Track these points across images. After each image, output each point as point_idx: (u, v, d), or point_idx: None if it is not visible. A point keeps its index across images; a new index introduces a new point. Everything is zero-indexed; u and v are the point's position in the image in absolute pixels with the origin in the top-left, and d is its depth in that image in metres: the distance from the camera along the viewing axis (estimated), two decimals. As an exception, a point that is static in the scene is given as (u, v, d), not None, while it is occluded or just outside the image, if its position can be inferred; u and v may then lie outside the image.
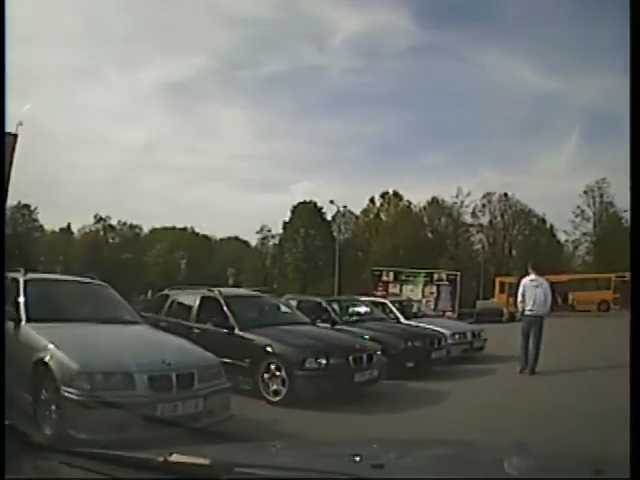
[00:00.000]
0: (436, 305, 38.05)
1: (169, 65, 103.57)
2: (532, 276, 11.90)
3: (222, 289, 10.90)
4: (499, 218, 70.96)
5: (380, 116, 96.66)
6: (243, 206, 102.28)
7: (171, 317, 10.31)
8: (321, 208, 69.60)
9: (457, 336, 13.72)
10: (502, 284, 49.77)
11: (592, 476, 1.87)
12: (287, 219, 73.89)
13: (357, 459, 2.20)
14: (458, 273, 40.07)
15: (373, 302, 15.52)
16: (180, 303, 10.73)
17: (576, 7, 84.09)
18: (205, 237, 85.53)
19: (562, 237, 70.38)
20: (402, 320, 14.35)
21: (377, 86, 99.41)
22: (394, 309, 15.01)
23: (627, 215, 60.64)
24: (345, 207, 59.67)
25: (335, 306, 13.36)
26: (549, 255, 63.28)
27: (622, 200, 61.71)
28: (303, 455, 2.77)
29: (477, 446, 3.21)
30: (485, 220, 71.94)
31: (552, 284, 48.73)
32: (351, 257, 67.14)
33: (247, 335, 9.05)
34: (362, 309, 14.10)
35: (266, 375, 8.49)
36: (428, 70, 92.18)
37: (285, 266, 73.36)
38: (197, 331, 9.41)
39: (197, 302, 10.26)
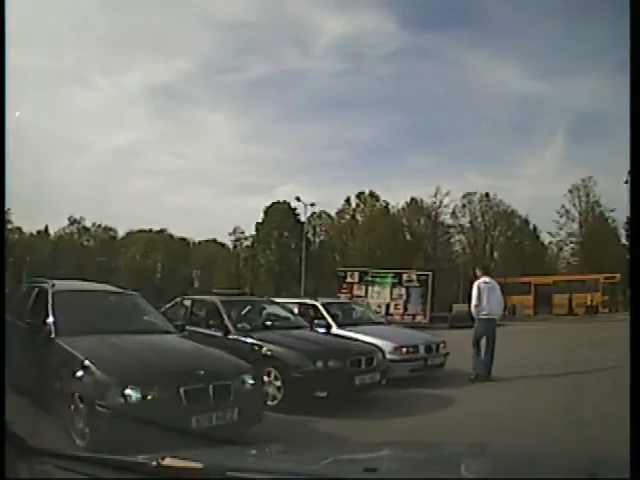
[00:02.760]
0: (405, 309, 34.82)
1: (153, 68, 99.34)
2: (486, 278, 11.44)
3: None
4: (480, 219, 66.63)
5: (365, 119, 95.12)
6: (227, 210, 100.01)
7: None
8: (295, 209, 65.21)
9: (404, 351, 10.77)
10: (481, 287, 44.03)
11: (588, 477, 1.78)
12: (260, 220, 70.30)
13: (350, 463, 2.43)
14: (429, 273, 35.57)
15: (302, 304, 12.88)
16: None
17: (561, 10, 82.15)
18: (182, 240, 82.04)
19: (546, 239, 66.05)
20: (333, 329, 11.48)
21: (362, 89, 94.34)
22: (325, 314, 12.04)
23: (614, 215, 58.25)
24: (312, 204, 54.69)
25: (236, 309, 10.53)
26: (532, 257, 60.61)
27: (609, 199, 59.05)
28: (296, 459, 2.68)
29: (471, 449, 3.16)
30: (465, 221, 66.89)
31: (536, 286, 41.59)
32: (327, 259, 64.52)
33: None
34: (272, 313, 11.24)
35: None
36: (413, 73, 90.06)
37: (257, 268, 69.81)
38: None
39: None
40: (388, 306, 34.77)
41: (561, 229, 62.57)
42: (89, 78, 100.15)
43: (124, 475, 1.97)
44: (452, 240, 68.26)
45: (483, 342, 11.15)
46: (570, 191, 61.83)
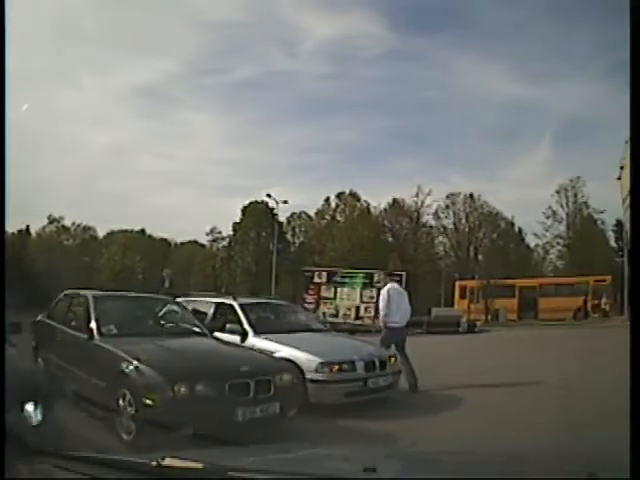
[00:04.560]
0: (377, 312, 28.80)
1: (138, 69, 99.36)
2: (395, 284, 10.91)
3: None
4: (464, 220, 63.52)
5: (351, 122, 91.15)
6: (210, 211, 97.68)
7: None
8: (273, 209, 61.93)
9: (334, 368, 8.29)
10: (463, 289, 42.18)
11: (588, 477, 1.76)
12: (237, 220, 68.90)
13: (350, 463, 2.36)
14: (403, 273, 31.16)
15: (219, 304, 10.42)
16: None
17: (548, 14, 79.27)
18: (163, 240, 79.80)
19: (532, 241, 62.91)
20: (249, 336, 9.13)
21: (348, 92, 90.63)
22: (242, 317, 9.57)
23: (603, 216, 54.94)
24: (285, 202, 50.90)
25: (112, 307, 8.33)
26: (518, 260, 57.61)
27: (598, 200, 56.76)
28: (296, 459, 2.65)
29: (470, 451, 3.08)
30: (449, 222, 64.35)
31: (520, 289, 36.00)
32: (306, 260, 60.49)
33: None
34: (159, 315, 8.85)
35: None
36: (400, 76, 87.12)
37: (234, 269, 67.96)
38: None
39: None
40: (358, 309, 31.28)
41: (547, 231, 59.37)
42: (73, 78, 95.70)
43: (124, 475, 1.95)
44: (435, 242, 65.84)
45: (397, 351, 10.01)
46: (557, 192, 58.62)
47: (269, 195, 49.08)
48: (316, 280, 32.39)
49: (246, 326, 9.27)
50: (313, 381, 8.08)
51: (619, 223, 57.00)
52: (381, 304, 10.47)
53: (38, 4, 75.87)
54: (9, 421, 2.27)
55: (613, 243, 56.10)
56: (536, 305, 38.56)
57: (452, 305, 40.68)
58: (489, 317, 38.32)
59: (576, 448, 3.46)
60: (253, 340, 8.95)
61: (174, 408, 5.61)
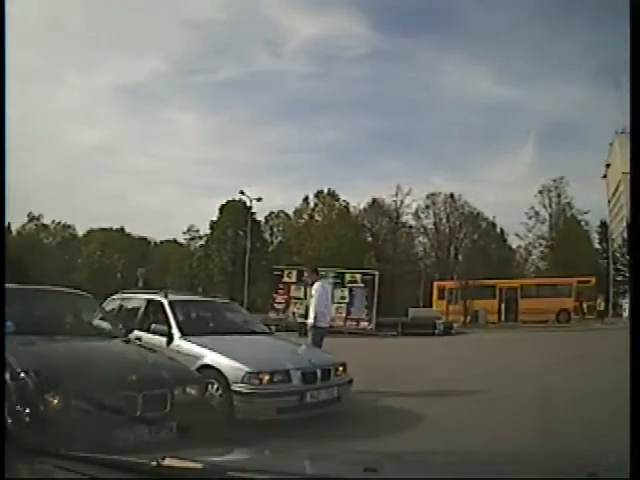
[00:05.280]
0: (348, 313, 29.07)
1: (123, 68, 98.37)
2: (322, 282, 10.53)
3: None
4: (445, 220, 61.69)
5: (335, 122, 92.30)
6: (192, 210, 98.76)
7: None
8: (250, 207, 60.49)
9: (264, 379, 6.93)
10: (441, 289, 40.15)
11: (588, 477, 1.77)
12: (215, 218, 68.14)
13: (350, 463, 2.36)
14: (375, 273, 30.38)
15: (149, 301, 8.99)
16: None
17: (533, 16, 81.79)
18: (143, 239, 79.84)
19: (514, 242, 61.60)
20: (175, 338, 7.85)
21: (332, 92, 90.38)
22: (170, 316, 8.21)
23: (587, 217, 53.31)
24: (259, 199, 49.19)
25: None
26: (499, 261, 56.12)
27: (582, 200, 56.64)
28: (296, 459, 2.60)
29: (471, 451, 3.32)
30: (429, 222, 62.61)
31: (501, 290, 33.31)
32: (284, 260, 59.54)
33: None
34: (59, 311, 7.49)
35: None
36: (384, 76, 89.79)
37: (211, 268, 66.61)
38: None
39: None
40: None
41: (530, 231, 57.85)
42: (57, 76, 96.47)
43: (124, 475, 1.94)
44: (415, 242, 64.30)
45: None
46: (540, 192, 57.17)
47: (242, 192, 47.36)
48: (286, 279, 30.61)
49: (173, 327, 8.02)
50: (239, 394, 6.82)
51: (603, 224, 55.64)
52: (314, 302, 9.88)
53: (24, 3, 77.19)
54: None
55: (597, 244, 54.83)
56: (517, 306, 36.65)
57: (430, 306, 38.72)
58: (468, 319, 36.48)
59: (576, 448, 3.46)
60: (179, 343, 7.78)
61: (45, 422, 4.84)
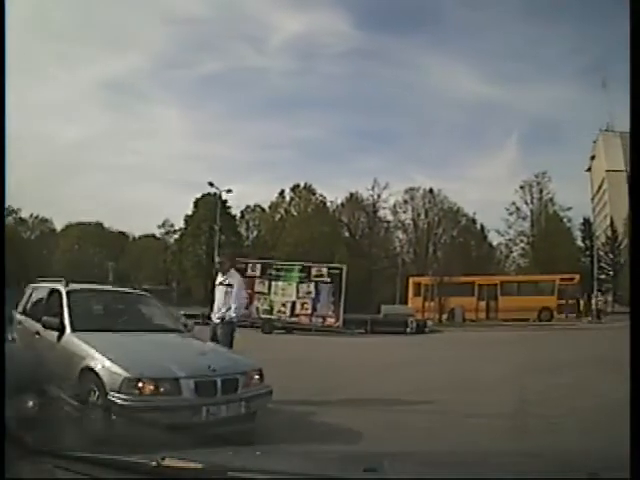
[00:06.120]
0: (314, 309, 26.96)
1: (105, 63, 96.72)
2: (235, 272, 9.24)
3: None
4: (423, 216, 59.35)
5: (316, 119, 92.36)
6: (173, 205, 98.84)
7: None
8: (225, 201, 59.88)
9: (147, 388, 5.55)
10: (417, 286, 37.74)
11: (588, 477, 1.73)
12: (190, 212, 65.82)
13: (350, 463, 2.29)
14: (342, 267, 28.24)
15: (52, 290, 8.00)
16: None
17: (517, 15, 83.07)
18: (121, 234, 78.02)
19: (494, 239, 59.35)
20: (66, 333, 6.73)
21: (314, 88, 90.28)
22: (65, 308, 7.12)
23: (570, 214, 51.89)
24: (229, 191, 48.72)
25: None
26: (479, 258, 54.17)
27: (564, 197, 55.58)
28: (296, 459, 2.57)
29: (470, 451, 3.21)
30: (407, 218, 60.28)
31: (480, 287, 30.18)
32: (260, 254, 55.86)
33: None
34: None
35: None
36: (367, 74, 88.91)
37: (186, 262, 64.64)
38: None
39: None
40: (294, 305, 27.24)
41: (510, 227, 55.38)
42: (39, 71, 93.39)
43: (124, 475, 1.91)
44: (392, 237, 62.04)
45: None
46: (522, 187, 54.73)
47: (211, 184, 45.83)
48: (249, 273, 27.98)
49: (65, 319, 6.94)
50: (116, 405, 5.47)
51: (586, 221, 53.71)
52: (237, 294, 8.79)
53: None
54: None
55: (580, 242, 52.82)
56: (497, 304, 34.63)
57: (406, 303, 36.51)
58: (444, 316, 34.30)
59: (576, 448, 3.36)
60: (68, 339, 6.80)
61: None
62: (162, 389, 5.53)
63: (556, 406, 7.17)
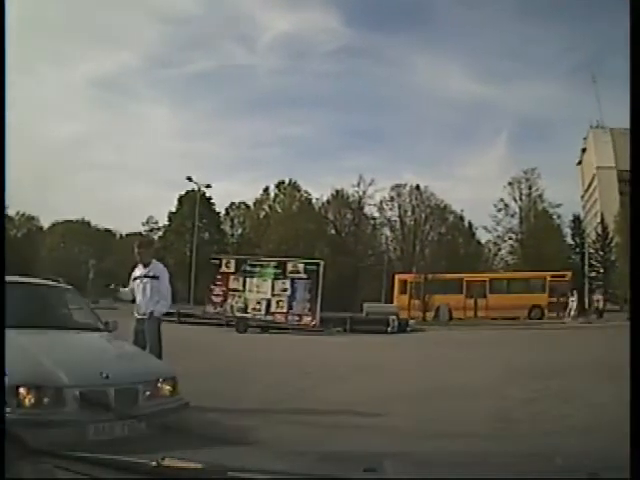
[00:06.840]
0: (290, 307, 25.38)
1: (95, 61, 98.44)
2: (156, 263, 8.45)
3: None
4: (410, 213, 57.87)
5: (306, 117, 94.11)
6: (162, 203, 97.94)
7: None
8: (210, 198, 60.63)
9: (28, 400, 4.54)
10: (403, 283, 36.11)
11: (588, 477, 1.70)
12: (174, 209, 64.93)
13: (350, 463, 2.24)
14: (320, 262, 26.74)
15: None
16: None
17: (508, 15, 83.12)
18: (108, 231, 77.76)
19: (483, 237, 57.75)
20: None
21: (304, 87, 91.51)
22: None
23: (560, 211, 50.65)
24: (208, 186, 50.40)
25: None
26: (467, 255, 53.31)
27: (553, 194, 53.08)
28: (296, 459, 2.55)
29: (470, 451, 3.19)
30: (394, 215, 58.81)
31: (468, 284, 29.04)
32: (244, 251, 55.35)
33: None
34: None
35: None
36: (357, 72, 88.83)
37: (168, 259, 60.55)
38: None
39: None
40: (269, 303, 25.60)
41: (499, 224, 53.59)
42: (29, 68, 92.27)
43: (124, 475, 1.88)
44: (379, 234, 60.63)
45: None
46: (510, 184, 53.17)
47: (190, 179, 45.35)
48: (224, 269, 26.84)
49: None
50: None
51: (576, 219, 52.28)
52: (166, 286, 8.08)
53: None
54: None
55: (570, 239, 51.29)
56: (486, 302, 32.96)
57: (392, 301, 34.90)
58: (431, 314, 32.65)
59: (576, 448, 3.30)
60: None
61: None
62: (45, 399, 4.64)
63: (540, 427, 5.83)
